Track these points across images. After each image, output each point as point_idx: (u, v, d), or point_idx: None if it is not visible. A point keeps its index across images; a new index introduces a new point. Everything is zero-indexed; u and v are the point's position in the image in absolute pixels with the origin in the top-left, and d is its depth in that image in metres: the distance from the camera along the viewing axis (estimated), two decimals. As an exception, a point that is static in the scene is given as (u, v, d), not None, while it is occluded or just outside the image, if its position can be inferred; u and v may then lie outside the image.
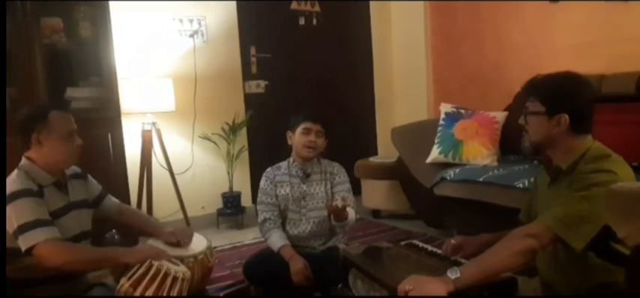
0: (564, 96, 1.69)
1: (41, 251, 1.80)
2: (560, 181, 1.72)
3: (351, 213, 2.42)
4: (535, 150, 1.80)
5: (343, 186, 2.57)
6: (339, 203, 2.26)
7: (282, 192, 2.56)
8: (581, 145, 1.69)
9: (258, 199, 2.60)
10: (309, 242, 2.55)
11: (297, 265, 2.34)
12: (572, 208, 1.57)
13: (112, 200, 2.28)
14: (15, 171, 1.93)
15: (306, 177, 2.56)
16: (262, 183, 2.61)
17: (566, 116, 1.66)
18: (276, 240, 2.47)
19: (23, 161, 1.96)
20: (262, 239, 2.60)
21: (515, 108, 3.45)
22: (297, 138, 2.53)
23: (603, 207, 1.50)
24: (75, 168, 2.14)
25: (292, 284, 2.35)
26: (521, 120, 1.79)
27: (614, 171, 1.58)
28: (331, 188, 2.56)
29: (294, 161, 2.59)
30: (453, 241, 1.98)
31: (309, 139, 2.50)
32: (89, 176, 2.21)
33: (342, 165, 2.59)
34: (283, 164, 2.62)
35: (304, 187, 2.55)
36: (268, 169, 2.64)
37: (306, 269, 2.34)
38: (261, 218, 2.56)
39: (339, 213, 2.29)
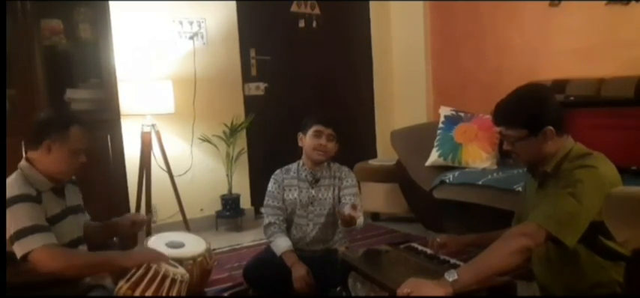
0: (539, 110, 1.73)
1: (37, 257, 1.78)
2: (547, 183, 1.76)
3: (360, 219, 2.39)
4: (531, 168, 1.83)
5: (350, 191, 2.53)
6: (346, 210, 2.23)
7: (290, 196, 2.54)
8: (564, 146, 1.74)
9: (265, 202, 2.58)
10: (312, 246, 2.54)
11: (299, 271, 2.33)
12: (560, 205, 1.60)
13: (87, 215, 2.24)
14: (14, 174, 1.92)
15: (315, 181, 2.54)
16: (270, 186, 2.58)
17: (551, 127, 1.70)
18: (281, 245, 2.45)
19: (23, 162, 1.95)
20: (261, 241, 2.60)
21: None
22: (308, 140, 2.50)
23: (590, 202, 1.56)
24: None
25: (292, 289, 2.34)
26: (506, 147, 1.82)
27: (596, 166, 1.64)
28: (338, 192, 2.54)
29: (303, 164, 2.57)
30: (438, 239, 2.01)
31: (320, 143, 2.47)
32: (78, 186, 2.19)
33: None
34: (293, 166, 2.60)
35: (313, 192, 2.53)
36: (277, 171, 2.61)
37: (308, 277, 2.33)
38: (266, 221, 2.54)
39: (347, 221, 2.27)
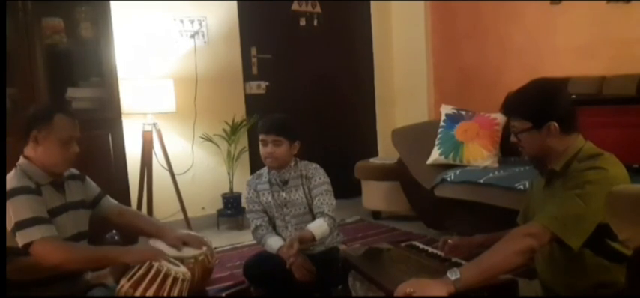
0: (545, 104, 1.72)
1: (38, 249, 1.80)
2: (555, 182, 1.74)
3: (320, 228, 2.37)
4: (536, 163, 1.82)
5: (319, 190, 2.50)
6: (285, 253, 2.27)
7: (264, 200, 2.56)
8: (573, 145, 1.72)
9: (247, 208, 2.61)
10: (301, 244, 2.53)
11: (297, 260, 2.34)
12: (567, 207, 1.59)
13: (111, 201, 2.27)
14: (13, 170, 1.93)
15: (283, 184, 2.54)
16: (246, 192, 2.61)
17: (555, 123, 1.69)
18: (273, 243, 2.47)
19: (21, 159, 1.96)
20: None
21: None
22: (260, 150, 2.51)
23: (598, 204, 1.53)
24: (72, 170, 2.13)
25: (292, 283, 2.34)
26: (512, 139, 1.82)
27: (606, 168, 1.61)
28: (309, 192, 2.53)
29: (271, 169, 2.58)
30: (449, 241, 1.99)
31: (267, 151, 2.47)
32: (87, 177, 2.21)
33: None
34: (264, 171, 2.61)
35: (284, 195, 2.53)
36: (250, 178, 2.65)
37: (307, 263, 2.33)
38: (253, 226, 2.56)
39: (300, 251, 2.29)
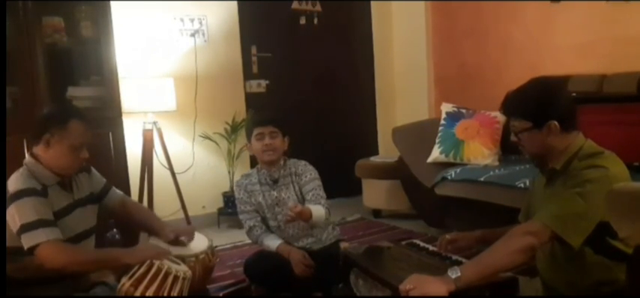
0: (545, 104, 1.72)
1: (42, 252, 1.81)
2: (555, 181, 1.74)
3: (318, 211, 2.39)
4: (537, 162, 1.82)
5: (311, 185, 2.51)
6: (289, 213, 2.28)
7: (255, 201, 2.56)
8: (574, 143, 1.71)
9: (239, 209, 2.59)
10: (298, 243, 2.53)
11: (296, 256, 2.36)
12: (567, 205, 1.59)
13: (117, 192, 2.28)
14: (20, 169, 1.94)
15: (274, 182, 2.54)
16: (237, 194, 2.60)
17: (555, 122, 1.69)
18: (271, 241, 2.48)
19: (28, 158, 1.97)
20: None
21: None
22: (255, 146, 2.51)
23: (598, 203, 1.53)
24: None
25: (293, 280, 2.35)
26: (513, 138, 1.82)
27: (607, 167, 1.61)
28: (300, 189, 2.53)
29: (261, 168, 2.58)
30: (447, 237, 2.00)
31: (265, 143, 2.47)
32: (92, 168, 2.21)
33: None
34: (253, 172, 2.61)
35: (275, 193, 2.53)
36: (239, 179, 2.65)
37: (306, 259, 2.35)
38: (247, 227, 2.56)
39: (301, 218, 2.31)
